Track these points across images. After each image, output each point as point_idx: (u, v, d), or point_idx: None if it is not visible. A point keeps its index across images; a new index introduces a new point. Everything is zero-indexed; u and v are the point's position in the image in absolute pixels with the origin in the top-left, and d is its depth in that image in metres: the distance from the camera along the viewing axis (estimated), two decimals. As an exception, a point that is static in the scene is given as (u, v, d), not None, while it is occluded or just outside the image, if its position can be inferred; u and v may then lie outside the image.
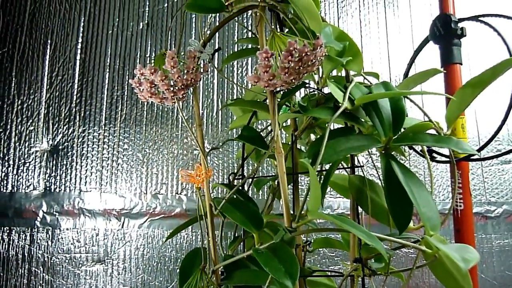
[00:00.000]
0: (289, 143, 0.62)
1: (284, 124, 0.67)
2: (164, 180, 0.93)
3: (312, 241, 0.61)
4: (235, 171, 0.59)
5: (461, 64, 0.77)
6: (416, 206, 0.41)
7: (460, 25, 0.75)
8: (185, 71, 0.48)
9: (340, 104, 0.46)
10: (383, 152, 0.46)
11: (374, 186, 0.51)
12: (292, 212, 0.49)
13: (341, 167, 0.55)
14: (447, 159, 0.83)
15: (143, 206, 0.92)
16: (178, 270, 0.50)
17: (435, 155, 0.82)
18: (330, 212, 0.93)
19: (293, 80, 0.41)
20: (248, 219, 0.44)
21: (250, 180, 0.63)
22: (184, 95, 0.50)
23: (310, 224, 0.60)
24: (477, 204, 1.03)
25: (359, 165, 0.50)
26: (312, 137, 0.62)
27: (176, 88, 0.48)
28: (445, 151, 0.97)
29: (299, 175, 0.60)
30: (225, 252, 0.56)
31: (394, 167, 0.43)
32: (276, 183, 0.57)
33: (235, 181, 0.58)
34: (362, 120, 0.49)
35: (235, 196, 0.51)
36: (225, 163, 0.95)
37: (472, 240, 0.82)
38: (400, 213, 0.43)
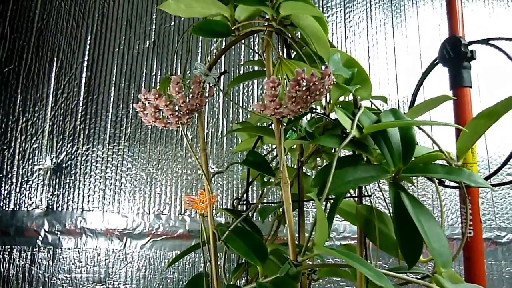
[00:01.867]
0: (295, 166, 0.61)
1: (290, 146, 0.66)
2: (168, 200, 0.92)
3: (317, 269, 0.59)
4: (239, 195, 0.58)
5: (471, 87, 0.76)
6: (426, 241, 0.40)
7: (470, 47, 0.74)
8: (190, 96, 0.48)
9: (348, 131, 0.45)
10: (391, 182, 0.45)
11: (383, 217, 0.50)
12: (297, 242, 0.48)
13: (349, 196, 0.54)
14: (457, 185, 0.81)
15: (145, 227, 0.91)
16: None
17: (443, 179, 0.81)
18: (335, 235, 0.91)
19: (300, 109, 0.40)
20: (252, 250, 0.42)
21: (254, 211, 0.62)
22: (188, 120, 0.49)
23: (316, 257, 0.59)
24: (486, 230, 1.01)
25: (367, 194, 0.48)
26: (319, 160, 0.61)
27: (181, 113, 0.47)
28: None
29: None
30: (228, 278, 0.55)
31: (403, 199, 0.42)
32: (281, 210, 0.56)
33: (239, 206, 0.57)
34: (371, 147, 0.48)
35: (239, 224, 0.49)
36: (230, 184, 0.93)
37: (482, 268, 0.80)
38: (410, 247, 0.42)
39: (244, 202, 0.57)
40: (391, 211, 0.45)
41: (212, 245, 0.50)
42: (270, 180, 0.61)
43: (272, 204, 0.59)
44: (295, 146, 0.64)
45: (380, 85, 1.04)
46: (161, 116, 0.49)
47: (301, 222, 0.55)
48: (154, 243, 0.90)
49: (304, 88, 0.37)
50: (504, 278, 1.00)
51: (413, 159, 0.47)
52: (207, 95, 0.49)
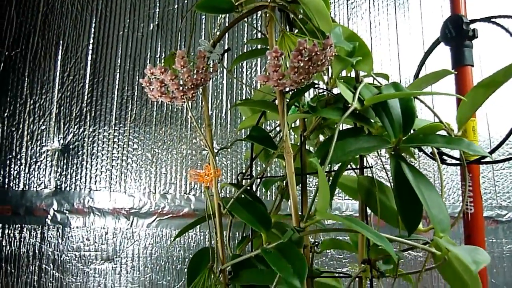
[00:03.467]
0: (298, 144, 0.62)
1: (292, 125, 0.67)
2: (173, 180, 0.93)
3: (320, 242, 0.61)
4: (244, 171, 0.59)
5: (473, 66, 0.77)
6: (426, 208, 0.41)
7: (472, 26, 0.75)
8: (195, 71, 0.49)
9: (349, 105, 0.46)
10: (392, 153, 0.46)
11: (384, 188, 0.51)
12: (300, 213, 0.49)
13: (350, 168, 0.55)
14: (458, 162, 0.82)
15: (151, 206, 0.92)
16: (186, 270, 0.50)
17: (445, 157, 0.81)
18: (338, 213, 0.93)
19: (303, 80, 0.41)
20: (256, 218, 0.44)
21: (259, 180, 0.64)
22: (194, 95, 0.50)
23: (318, 225, 0.60)
24: (487, 208, 1.02)
25: (368, 166, 0.50)
26: (321, 138, 0.62)
27: (186, 87, 0.48)
28: (456, 154, 0.96)
29: (308, 176, 0.60)
30: (233, 252, 0.56)
31: (404, 168, 0.43)
32: (284, 183, 0.57)
33: (244, 181, 0.58)
34: (372, 120, 0.49)
35: (243, 196, 0.51)
36: (234, 164, 0.95)
37: (483, 245, 0.81)
38: (410, 214, 0.43)
39: (249, 177, 0.58)
40: (391, 182, 0.46)
41: (217, 216, 0.51)
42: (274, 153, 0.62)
43: (276, 178, 0.60)
44: (298, 124, 0.65)
45: (382, 66, 1.05)
46: (166, 91, 0.51)
47: (304, 197, 0.56)
48: (160, 221, 0.92)
49: (306, 58, 0.38)
50: (505, 256, 1.02)
51: (413, 131, 0.48)
52: (211, 71, 0.50)
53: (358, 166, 0.51)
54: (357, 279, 0.53)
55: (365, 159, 0.51)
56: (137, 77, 0.96)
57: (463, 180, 0.80)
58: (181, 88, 0.48)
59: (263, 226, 0.43)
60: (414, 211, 0.43)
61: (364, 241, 0.49)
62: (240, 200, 0.48)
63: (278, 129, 0.64)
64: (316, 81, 0.55)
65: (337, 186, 0.54)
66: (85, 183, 0.91)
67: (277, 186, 0.60)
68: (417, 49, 1.06)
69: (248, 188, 0.58)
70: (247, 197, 0.51)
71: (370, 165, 0.50)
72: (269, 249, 0.39)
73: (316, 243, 0.61)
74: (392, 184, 0.47)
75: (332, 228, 0.80)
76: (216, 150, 0.87)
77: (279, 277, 0.40)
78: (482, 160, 0.79)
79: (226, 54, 0.95)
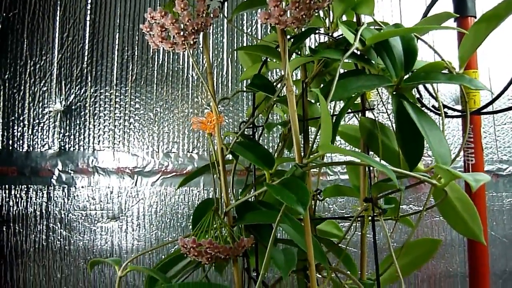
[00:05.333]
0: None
1: (294, 78, 0.67)
2: (176, 139, 0.94)
3: (322, 190, 0.62)
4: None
5: (475, 17, 0.76)
6: (428, 142, 0.41)
7: (476, -25, 0.73)
8: (196, 15, 0.48)
9: (351, 47, 0.46)
10: (394, 93, 0.46)
11: (385, 130, 0.51)
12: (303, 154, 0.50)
13: (351, 111, 0.55)
14: (460, 113, 0.82)
15: (155, 165, 0.93)
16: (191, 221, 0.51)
17: (446, 110, 0.82)
18: (339, 170, 0.94)
19: (304, 17, 0.41)
20: (259, 158, 0.45)
21: (261, 131, 0.64)
22: (195, 41, 0.50)
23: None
24: (488, 163, 1.03)
25: (370, 107, 0.50)
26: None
27: (187, 32, 0.48)
28: (457, 107, 0.96)
29: (310, 128, 0.60)
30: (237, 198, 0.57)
31: (406, 106, 0.43)
32: (287, 130, 0.57)
33: (246, 130, 0.59)
34: (373, 62, 0.48)
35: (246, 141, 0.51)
36: (236, 122, 0.95)
37: (483, 197, 0.82)
38: (411, 150, 0.43)
39: (251, 126, 0.59)
40: (393, 122, 0.47)
41: (221, 162, 0.52)
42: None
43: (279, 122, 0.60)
44: (299, 77, 0.65)
45: (384, 20, 1.03)
46: (167, 37, 0.50)
47: (306, 144, 0.57)
48: (164, 180, 0.93)
49: (307, -9, 0.37)
50: (504, 209, 1.03)
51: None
52: (212, 16, 0.50)
53: (360, 109, 0.51)
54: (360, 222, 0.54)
55: (366, 102, 0.52)
56: (136, 36, 0.96)
57: (464, 129, 0.80)
58: (181, 33, 0.48)
59: (267, 165, 0.44)
60: (416, 148, 0.43)
61: (366, 182, 0.49)
62: (243, 143, 0.49)
63: (279, 85, 0.64)
64: (316, 27, 0.55)
65: (339, 135, 0.55)
66: (88, 143, 0.92)
67: (279, 134, 0.60)
68: (419, 2, 1.04)
69: (251, 137, 0.58)
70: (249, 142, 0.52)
71: (372, 107, 0.50)
72: (273, 184, 0.39)
73: (319, 191, 0.61)
74: (394, 126, 0.47)
75: (334, 162, 0.82)
76: (218, 98, 0.87)
77: (280, 216, 0.40)
78: (483, 111, 0.79)
79: (226, 4, 0.94)
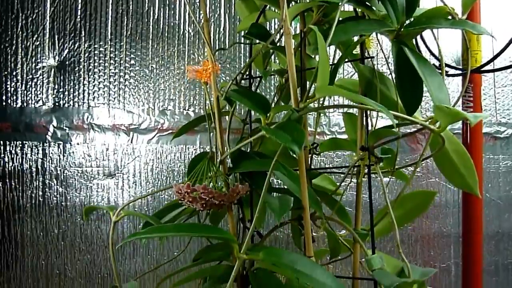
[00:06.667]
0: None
1: (293, 33, 0.65)
2: (172, 96, 0.93)
3: (319, 143, 0.61)
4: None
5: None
6: (428, 88, 0.41)
7: None
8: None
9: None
10: (395, 40, 0.45)
11: (384, 79, 0.50)
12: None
13: (349, 60, 0.54)
14: (460, 71, 0.81)
15: (151, 122, 0.93)
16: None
17: (448, 69, 0.80)
18: (337, 130, 0.93)
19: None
20: (255, 104, 0.44)
21: (257, 83, 0.63)
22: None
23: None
24: (487, 125, 1.03)
25: (369, 56, 0.49)
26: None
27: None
28: (458, 67, 0.95)
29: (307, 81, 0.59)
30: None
31: (406, 53, 0.42)
32: (284, 80, 0.56)
33: (242, 81, 0.58)
34: (374, 8, 0.47)
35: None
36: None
37: (480, 158, 0.82)
38: (410, 97, 0.43)
39: (248, 77, 0.58)
40: (392, 70, 0.46)
41: (216, 111, 0.51)
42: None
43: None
44: (298, 32, 0.63)
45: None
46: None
47: (302, 94, 0.56)
48: (160, 137, 0.93)
49: None
50: (500, 172, 1.04)
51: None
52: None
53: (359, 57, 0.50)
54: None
55: (366, 52, 0.51)
56: (131, -11, 0.93)
57: (466, 91, 0.79)
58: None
59: (263, 110, 0.43)
60: (414, 94, 0.43)
61: (363, 132, 0.49)
62: (239, 91, 0.48)
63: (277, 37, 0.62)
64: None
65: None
66: (83, 100, 0.91)
67: (276, 85, 0.59)
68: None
69: (247, 89, 0.57)
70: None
71: (371, 55, 0.49)
72: (269, 127, 0.39)
73: (316, 145, 0.61)
74: (393, 76, 0.46)
75: (330, 105, 0.81)
76: (214, 49, 0.85)
77: (274, 163, 0.40)
78: (484, 69, 0.78)
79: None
